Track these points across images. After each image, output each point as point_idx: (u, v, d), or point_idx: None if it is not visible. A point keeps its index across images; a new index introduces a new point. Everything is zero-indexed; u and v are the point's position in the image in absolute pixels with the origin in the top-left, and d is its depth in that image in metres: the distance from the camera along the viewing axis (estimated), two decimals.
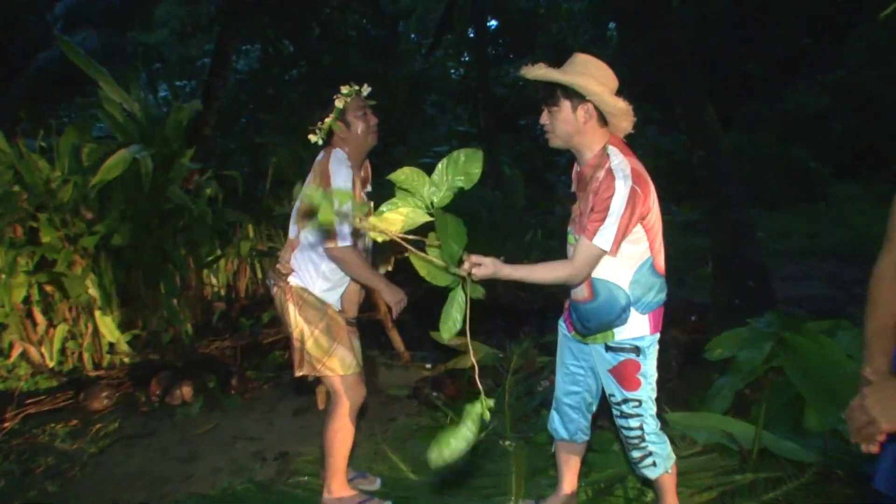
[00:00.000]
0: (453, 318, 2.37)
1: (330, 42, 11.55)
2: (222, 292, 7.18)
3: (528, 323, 6.22)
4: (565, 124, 2.62)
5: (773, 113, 14.74)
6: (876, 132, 13.96)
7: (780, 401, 3.79)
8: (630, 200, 2.46)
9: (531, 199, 10.62)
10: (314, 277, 3.21)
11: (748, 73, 15.66)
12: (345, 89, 3.15)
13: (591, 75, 2.54)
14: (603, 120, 2.61)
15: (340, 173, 3.01)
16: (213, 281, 7.13)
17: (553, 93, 2.61)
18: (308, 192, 2.86)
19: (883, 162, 13.22)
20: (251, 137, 9.54)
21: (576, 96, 2.56)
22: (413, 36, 16.54)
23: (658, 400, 2.85)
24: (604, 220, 2.48)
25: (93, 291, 5.56)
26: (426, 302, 6.95)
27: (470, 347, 2.27)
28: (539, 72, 2.56)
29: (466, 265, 2.32)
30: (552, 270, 2.58)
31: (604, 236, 2.48)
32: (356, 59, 11.51)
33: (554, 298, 5.03)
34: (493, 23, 17.66)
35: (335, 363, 3.20)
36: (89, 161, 5.58)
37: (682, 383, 4.50)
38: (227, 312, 6.77)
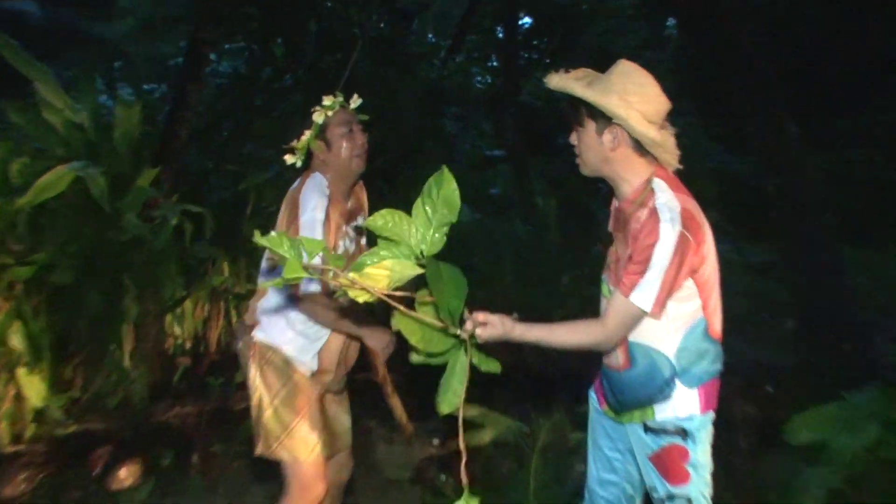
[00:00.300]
0: (453, 388, 2.32)
1: (332, 42, 11.50)
2: (188, 345, 6.98)
3: (560, 389, 6.04)
4: (590, 149, 2.59)
5: (869, 128, 14.51)
6: None
7: None
8: (678, 250, 2.33)
9: (568, 235, 10.45)
10: (283, 331, 3.08)
11: (838, 79, 15.46)
12: (327, 100, 3.04)
13: (624, 92, 2.43)
14: (642, 148, 2.49)
15: (311, 203, 2.90)
16: (177, 331, 6.94)
17: (577, 109, 2.55)
18: (271, 241, 2.63)
19: None
20: (234, 157, 9.48)
21: (602, 117, 2.48)
22: (430, 36, 16.53)
23: (719, 495, 2.67)
24: (644, 272, 2.35)
25: (17, 343, 5.30)
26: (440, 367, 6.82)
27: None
28: (560, 82, 2.52)
29: (469, 325, 2.22)
30: (577, 332, 2.47)
31: (644, 293, 2.35)
32: (363, 63, 11.45)
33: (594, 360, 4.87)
34: (527, 21, 17.61)
35: (295, 444, 3.06)
36: (20, 180, 5.38)
37: (756, 473, 4.26)
38: (191, 370, 6.58)
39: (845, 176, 12.38)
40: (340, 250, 3.04)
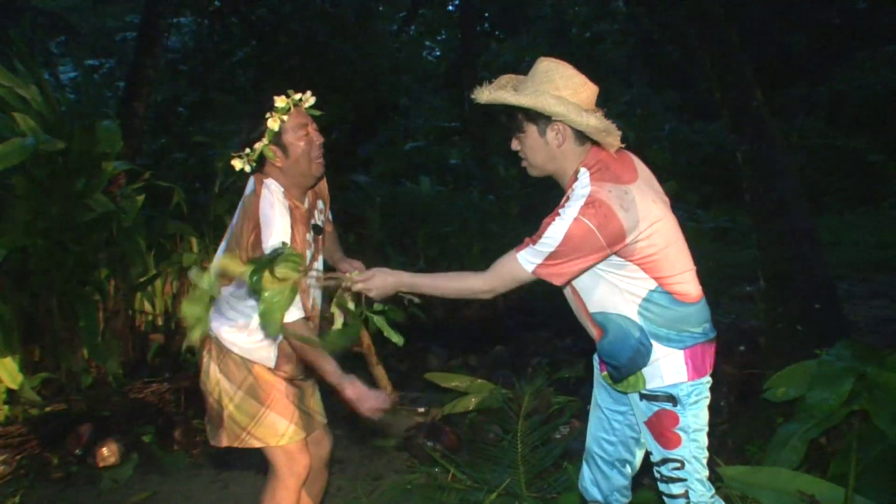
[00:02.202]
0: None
1: (287, 14, 11.36)
2: (159, 321, 6.92)
3: (538, 353, 6.11)
4: (537, 151, 2.63)
5: (824, 96, 14.56)
6: None
7: (869, 454, 3.64)
8: (573, 233, 2.42)
9: (530, 206, 10.49)
10: (235, 333, 2.96)
11: (792, 48, 15.45)
12: (280, 101, 2.80)
13: (555, 88, 2.51)
14: (583, 138, 2.56)
15: (275, 224, 2.74)
16: (148, 307, 6.89)
17: (514, 116, 2.60)
18: (249, 275, 2.54)
19: None
20: (190, 132, 9.32)
21: (541, 118, 2.54)
22: (381, 9, 16.41)
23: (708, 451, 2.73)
24: (537, 242, 2.46)
25: None
26: (414, 333, 6.85)
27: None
28: (489, 95, 2.57)
29: (355, 285, 2.58)
30: (461, 280, 2.62)
31: (529, 256, 2.49)
32: (322, 36, 11.33)
33: (568, 326, 4.91)
34: None
35: (264, 432, 2.96)
36: None
37: (735, 429, 4.39)
38: (165, 346, 6.54)
39: (800, 143, 12.53)
40: (309, 258, 2.94)
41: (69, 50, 12.63)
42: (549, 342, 6.41)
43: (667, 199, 2.67)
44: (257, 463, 4.51)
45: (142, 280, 6.46)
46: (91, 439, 4.82)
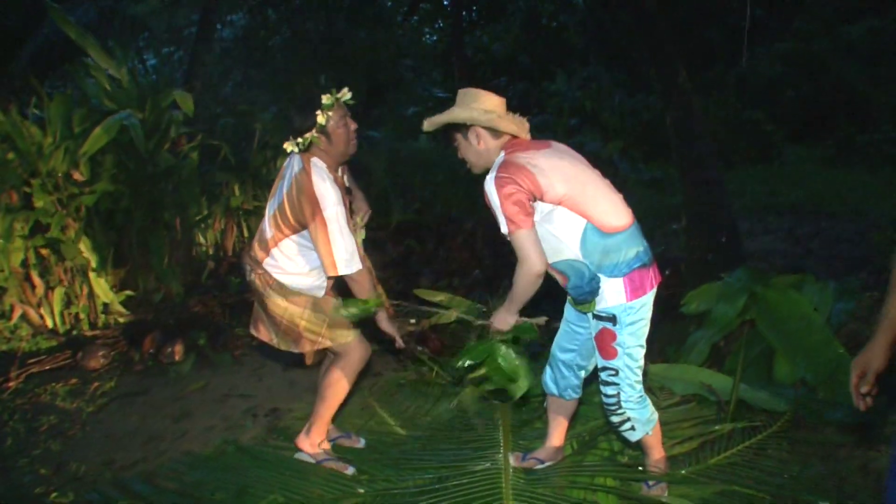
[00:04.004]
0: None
1: (313, 8, 11.21)
2: (210, 251, 6.95)
3: (506, 276, 6.10)
4: (469, 152, 2.73)
5: (733, 78, 14.78)
6: (825, 99, 14.10)
7: (753, 353, 3.74)
8: (499, 190, 2.49)
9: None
10: (297, 277, 3.04)
11: (710, 40, 15.68)
12: (326, 99, 2.87)
13: (465, 104, 2.66)
14: (496, 133, 2.67)
15: (330, 197, 2.83)
16: (202, 240, 6.90)
17: (447, 131, 2.75)
18: (346, 307, 3.01)
19: (830, 127, 13.40)
20: (237, 102, 9.30)
21: (461, 127, 2.68)
22: (389, 3, 16.19)
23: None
24: (496, 215, 2.52)
25: (87, 254, 5.33)
26: (409, 260, 6.87)
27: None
28: (430, 122, 2.72)
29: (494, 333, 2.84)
30: (521, 281, 2.58)
31: (504, 226, 2.51)
32: (341, 25, 11.19)
33: None
34: None
35: (333, 333, 3.05)
36: (80, 127, 5.32)
37: (659, 336, 4.36)
38: (215, 271, 6.54)
39: (714, 114, 12.57)
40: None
41: (151, 43, 12.78)
42: (514, 265, 6.39)
43: (583, 159, 2.71)
44: (285, 361, 4.63)
45: (198, 219, 6.51)
46: (161, 342, 4.85)
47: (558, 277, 2.62)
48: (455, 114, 2.64)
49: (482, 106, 2.64)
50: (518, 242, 2.50)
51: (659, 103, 6.64)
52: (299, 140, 2.89)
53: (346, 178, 3.15)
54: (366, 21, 11.91)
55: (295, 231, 2.94)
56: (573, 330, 2.88)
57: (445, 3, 17.67)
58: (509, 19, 17.89)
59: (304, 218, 2.86)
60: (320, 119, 2.85)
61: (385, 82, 13.48)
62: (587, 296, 2.56)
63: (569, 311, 2.90)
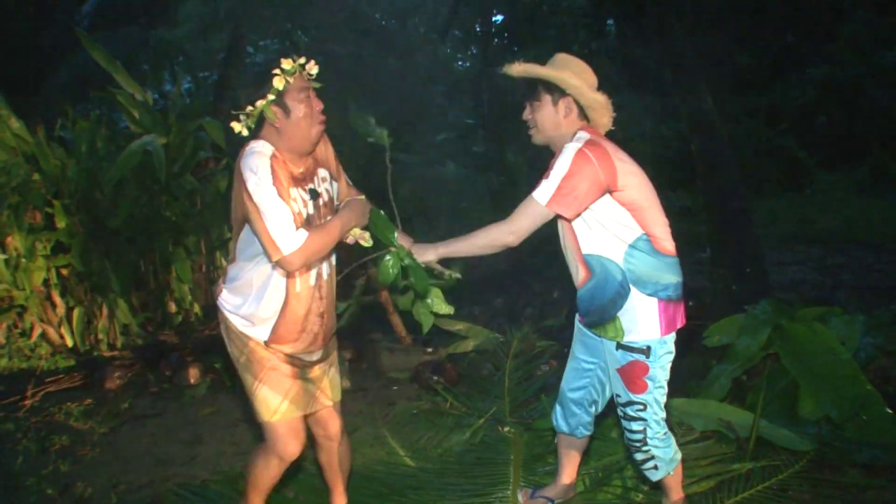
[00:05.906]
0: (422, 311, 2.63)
1: (344, 34, 11.29)
2: None
3: (530, 304, 6.01)
4: (547, 118, 2.52)
5: (763, 105, 14.66)
6: (857, 125, 13.95)
7: (775, 388, 3.60)
8: (576, 162, 2.31)
9: (534, 186, 10.47)
10: (238, 307, 2.44)
11: (740, 67, 15.57)
12: (286, 64, 2.24)
13: (571, 71, 2.45)
14: (584, 115, 2.50)
15: (255, 173, 2.19)
16: (224, 263, 6.89)
17: (535, 88, 2.51)
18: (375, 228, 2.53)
19: (864, 154, 13.23)
20: None
21: (556, 90, 2.47)
22: (422, 31, 16.30)
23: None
24: (549, 176, 2.34)
25: (107, 275, 5.37)
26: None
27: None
28: (521, 68, 2.46)
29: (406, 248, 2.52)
30: (487, 233, 2.44)
31: (542, 191, 2.34)
32: (370, 51, 11.23)
33: (558, 281, 4.83)
34: (499, 18, 17.47)
35: (257, 405, 2.45)
36: (104, 150, 5.41)
37: (680, 369, 4.26)
38: None
39: (744, 141, 12.42)
40: (305, 218, 2.35)
41: (186, 68, 13.00)
42: (539, 295, 6.30)
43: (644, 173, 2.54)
44: None
45: (220, 242, 6.46)
46: (177, 365, 4.85)
47: (580, 270, 2.51)
48: (565, 76, 2.42)
49: (589, 81, 2.49)
50: (529, 211, 2.37)
51: (686, 131, 6.55)
52: (249, 109, 2.27)
53: (318, 179, 2.48)
54: (395, 48, 11.97)
55: (241, 228, 2.35)
56: (582, 367, 2.78)
57: (478, 29, 17.78)
58: (540, 46, 17.94)
59: (240, 206, 2.28)
60: (277, 83, 2.23)
61: (415, 108, 13.54)
62: (603, 310, 2.47)
63: (577, 345, 2.80)
